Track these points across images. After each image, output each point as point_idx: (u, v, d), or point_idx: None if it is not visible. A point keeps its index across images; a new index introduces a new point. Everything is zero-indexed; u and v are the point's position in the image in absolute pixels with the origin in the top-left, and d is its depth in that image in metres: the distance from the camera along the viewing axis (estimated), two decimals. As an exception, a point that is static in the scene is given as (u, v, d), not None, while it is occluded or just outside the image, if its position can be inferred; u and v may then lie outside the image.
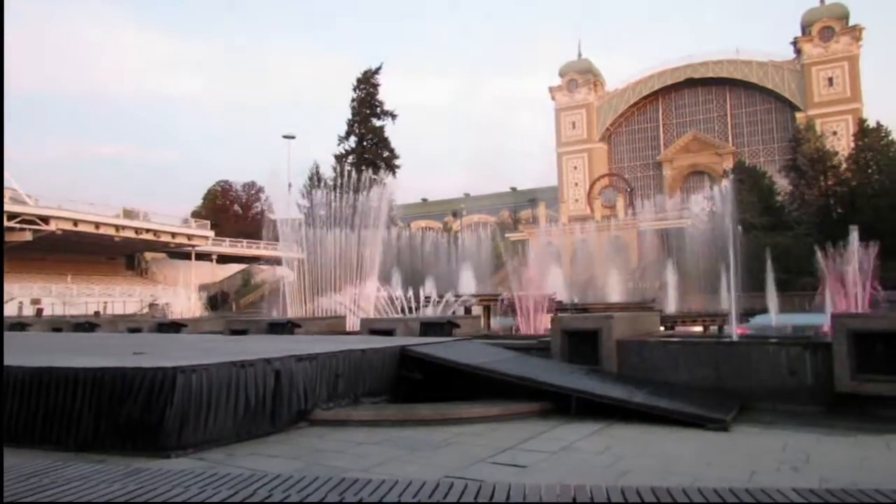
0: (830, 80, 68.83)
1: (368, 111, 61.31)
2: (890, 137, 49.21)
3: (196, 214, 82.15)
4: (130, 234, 62.10)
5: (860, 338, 6.80)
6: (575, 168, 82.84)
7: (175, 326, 14.95)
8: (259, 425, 5.57)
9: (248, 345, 8.65)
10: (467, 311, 18.22)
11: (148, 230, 63.95)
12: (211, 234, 71.08)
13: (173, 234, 66.59)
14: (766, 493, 3.24)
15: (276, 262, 72.61)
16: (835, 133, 62.33)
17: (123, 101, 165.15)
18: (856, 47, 68.38)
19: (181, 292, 48.38)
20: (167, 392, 4.91)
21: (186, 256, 67.36)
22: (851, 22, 68.93)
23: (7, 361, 5.97)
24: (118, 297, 55.93)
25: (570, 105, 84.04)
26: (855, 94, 67.49)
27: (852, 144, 52.53)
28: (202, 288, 52.76)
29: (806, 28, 71.59)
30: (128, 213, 63.86)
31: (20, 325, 18.54)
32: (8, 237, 55.03)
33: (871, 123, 51.19)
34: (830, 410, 6.83)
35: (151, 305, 48.97)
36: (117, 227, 60.87)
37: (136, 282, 65.50)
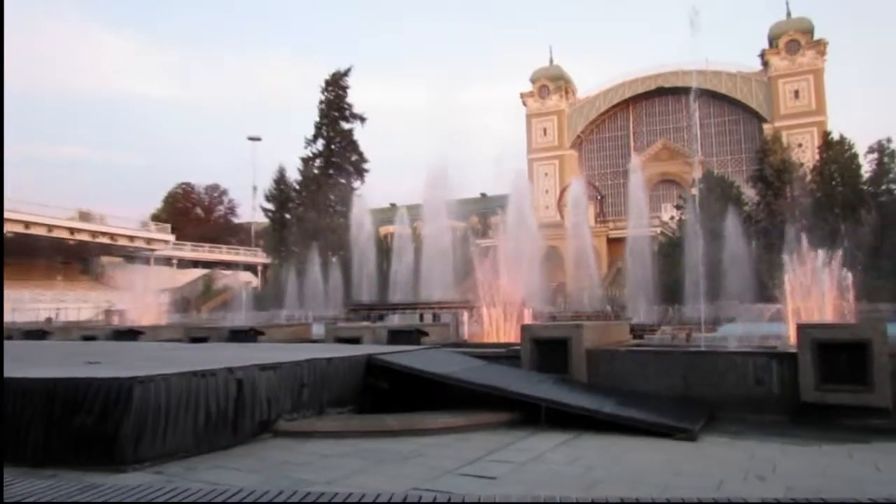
0: (796, 92, 70.41)
1: (337, 114, 60.05)
2: (853, 150, 50.41)
3: (156, 217, 78.57)
4: (86, 237, 60.10)
5: (825, 348, 6.90)
6: (546, 175, 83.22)
7: (133, 334, 14.52)
8: (220, 437, 5.41)
9: (210, 353, 8.44)
10: (435, 318, 18.18)
11: (104, 233, 61.96)
12: (171, 237, 68.99)
13: (131, 238, 64.65)
14: (734, 506, 3.23)
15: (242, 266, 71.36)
16: (800, 145, 63.58)
17: (83, 102, 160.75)
18: (821, 61, 70.06)
19: (140, 298, 47.00)
20: (123, 403, 4.72)
21: (145, 261, 65.52)
22: (816, 36, 70.69)
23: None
24: (72, 303, 53.52)
25: (542, 111, 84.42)
26: (820, 107, 69.09)
27: (817, 156, 53.72)
28: (162, 293, 51.23)
29: (773, 41, 73.06)
30: (83, 216, 61.66)
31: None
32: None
33: (836, 136, 52.43)
34: (796, 420, 6.92)
35: (107, 312, 47.44)
36: (72, 230, 58.79)
37: (92, 287, 63.06)
